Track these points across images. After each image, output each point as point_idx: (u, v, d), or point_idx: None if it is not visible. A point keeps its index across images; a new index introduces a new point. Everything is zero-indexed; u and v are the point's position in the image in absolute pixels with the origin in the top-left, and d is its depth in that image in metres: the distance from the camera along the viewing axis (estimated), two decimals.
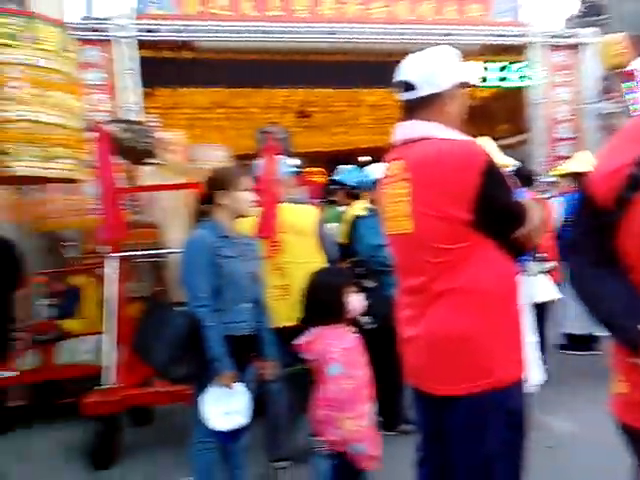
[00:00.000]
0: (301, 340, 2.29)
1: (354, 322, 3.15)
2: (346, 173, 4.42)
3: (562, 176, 5.77)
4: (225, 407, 2.37)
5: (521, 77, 10.40)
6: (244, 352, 2.52)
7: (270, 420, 3.22)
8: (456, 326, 1.63)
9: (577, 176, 5.11)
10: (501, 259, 1.66)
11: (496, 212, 1.62)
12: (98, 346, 4.36)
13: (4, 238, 5.53)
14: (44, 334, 4.14)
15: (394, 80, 1.79)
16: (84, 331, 4.71)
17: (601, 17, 13.78)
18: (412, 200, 1.68)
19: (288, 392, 3.19)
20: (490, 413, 1.65)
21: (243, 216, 2.58)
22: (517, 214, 1.65)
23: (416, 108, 1.75)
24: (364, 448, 2.14)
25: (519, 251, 1.73)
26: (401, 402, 3.70)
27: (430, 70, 1.72)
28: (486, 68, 10.45)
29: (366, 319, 3.13)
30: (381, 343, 3.01)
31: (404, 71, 1.78)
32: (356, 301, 2.35)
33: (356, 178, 4.27)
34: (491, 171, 1.59)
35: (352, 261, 3.55)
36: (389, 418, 3.38)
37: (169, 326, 2.40)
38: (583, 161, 5.51)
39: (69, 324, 4.89)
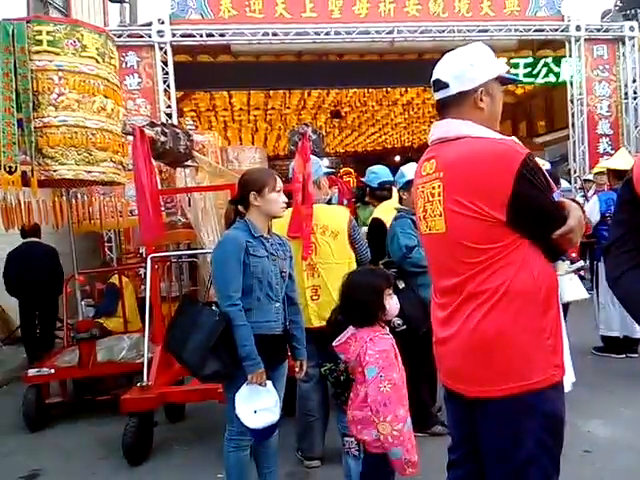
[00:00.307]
0: (337, 341, 2.30)
1: (388, 324, 3.16)
2: (371, 174, 4.33)
3: (598, 174, 5.61)
4: (255, 405, 2.39)
5: (558, 73, 10.16)
6: (275, 351, 2.54)
7: (302, 419, 3.25)
8: (491, 327, 1.60)
9: (616, 174, 4.99)
10: (538, 260, 1.62)
11: (532, 212, 1.57)
12: (135, 344, 4.50)
13: (49, 247, 5.80)
14: (85, 332, 4.27)
15: (430, 79, 1.79)
16: (123, 330, 4.86)
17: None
18: (445, 199, 1.66)
19: (320, 392, 3.21)
20: (525, 417, 1.61)
21: (276, 217, 2.60)
22: (555, 215, 1.59)
23: (449, 106, 1.73)
24: (401, 453, 2.13)
25: (557, 252, 1.68)
26: (433, 404, 3.67)
27: (460, 67, 1.70)
28: (523, 64, 10.25)
29: (398, 321, 3.12)
30: (412, 344, 3.00)
31: (437, 70, 1.77)
32: (394, 303, 2.34)
33: (379, 179, 4.22)
34: (528, 170, 1.55)
35: (384, 262, 3.54)
36: (422, 419, 3.36)
37: (201, 325, 2.44)
38: (622, 159, 5.40)
39: (109, 322, 5.06)
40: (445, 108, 1.75)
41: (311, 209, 3.11)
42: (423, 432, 3.36)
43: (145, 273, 4.05)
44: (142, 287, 5.63)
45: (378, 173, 4.26)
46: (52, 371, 4.23)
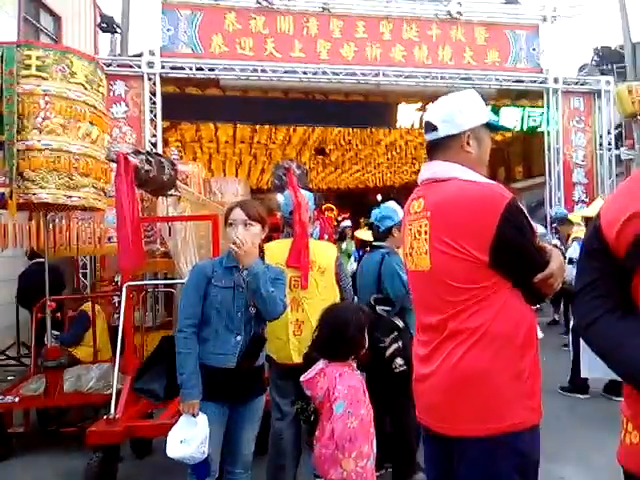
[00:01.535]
0: (306, 376, 2.26)
1: (386, 365, 3.10)
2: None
3: (565, 223, 5.81)
4: (182, 435, 2.37)
5: (534, 121, 10.51)
6: (235, 385, 2.46)
7: (273, 459, 3.16)
8: (470, 367, 1.61)
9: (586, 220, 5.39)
10: (519, 303, 1.65)
11: (515, 255, 1.61)
12: (105, 375, 4.37)
13: (56, 265, 5.74)
14: (53, 360, 4.15)
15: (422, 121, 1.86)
16: (92, 359, 4.73)
17: (616, 65, 13.94)
18: (431, 238, 1.70)
19: (294, 430, 3.14)
20: (501, 459, 1.59)
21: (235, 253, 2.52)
22: (537, 259, 1.63)
23: (438, 148, 1.79)
24: None
25: (537, 296, 1.70)
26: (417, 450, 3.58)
27: (449, 112, 1.77)
28: (500, 112, 10.59)
29: (400, 361, 3.04)
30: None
31: (428, 113, 1.84)
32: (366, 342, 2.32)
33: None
34: (512, 214, 1.59)
35: (378, 299, 3.39)
36: (406, 464, 3.28)
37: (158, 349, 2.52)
38: (597, 207, 5.59)
39: (78, 351, 4.91)
40: (434, 149, 1.81)
41: (306, 239, 3.10)
42: None
43: (119, 301, 3.98)
44: (115, 315, 5.52)
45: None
46: (16, 399, 4.08)
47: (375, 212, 3.70)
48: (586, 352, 5.15)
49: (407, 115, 10.26)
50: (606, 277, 1.25)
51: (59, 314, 5.56)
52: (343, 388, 2.14)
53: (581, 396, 5.22)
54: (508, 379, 1.60)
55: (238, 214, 2.50)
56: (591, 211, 5.72)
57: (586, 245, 1.33)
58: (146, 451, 4.04)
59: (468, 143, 1.75)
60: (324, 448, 2.14)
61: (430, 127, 1.80)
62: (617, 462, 1.30)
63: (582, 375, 5.09)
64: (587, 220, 5.53)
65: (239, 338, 2.46)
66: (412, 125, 10.37)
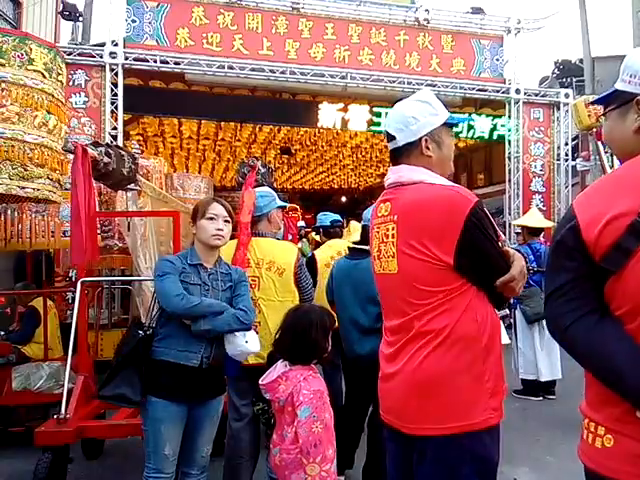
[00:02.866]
0: (266, 379, 2.23)
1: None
2: (322, 216, 4.86)
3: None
4: (245, 337, 2.45)
5: (495, 129, 10.74)
6: (198, 384, 2.40)
7: (230, 460, 3.11)
8: (432, 367, 1.63)
9: (529, 230, 5.78)
10: (483, 306, 1.67)
11: (478, 258, 1.63)
12: (55, 373, 4.23)
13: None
14: (1, 357, 3.98)
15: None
16: (43, 357, 4.56)
17: (576, 79, 14.45)
18: (398, 241, 1.72)
19: (252, 431, 3.09)
20: (460, 459, 1.61)
21: (212, 245, 2.54)
22: (499, 262, 1.66)
23: (399, 155, 1.82)
24: None
25: (500, 299, 1.73)
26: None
27: (404, 121, 1.78)
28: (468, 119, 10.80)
29: None
30: None
31: (386, 122, 1.87)
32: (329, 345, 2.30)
33: (330, 218, 4.68)
34: (476, 217, 1.61)
35: None
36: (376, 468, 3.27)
37: (124, 344, 2.42)
38: (534, 217, 6.45)
39: (28, 349, 4.73)
40: (396, 156, 1.83)
41: (243, 238, 3.04)
42: None
43: (73, 297, 3.84)
44: (69, 312, 5.34)
45: (328, 215, 4.79)
46: None
47: (365, 213, 3.67)
48: (521, 355, 5.40)
49: (328, 115, 10.11)
50: (582, 278, 1.24)
51: (8, 309, 5.35)
52: (309, 393, 2.10)
53: (534, 398, 5.39)
54: (470, 380, 1.62)
55: (220, 210, 2.49)
56: (526, 220, 6.24)
57: (559, 245, 1.29)
58: (97, 452, 3.93)
59: (427, 147, 1.77)
60: (285, 453, 2.10)
61: (389, 137, 1.82)
62: (569, 463, 1.29)
63: (520, 376, 5.37)
64: (523, 228, 5.94)
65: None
66: (334, 124, 10.22)
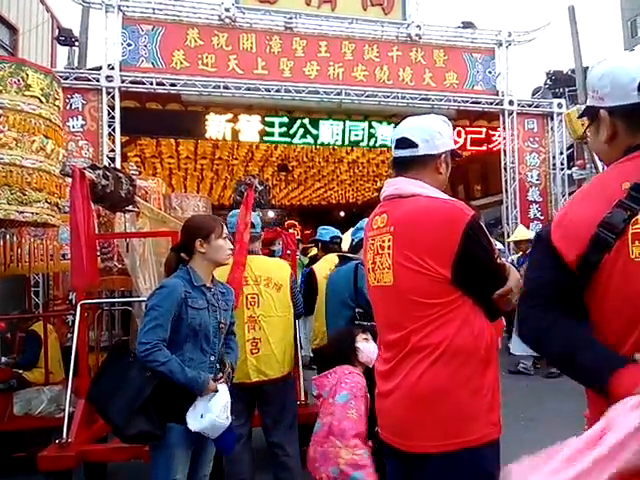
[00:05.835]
0: (317, 376, 2.48)
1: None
2: (322, 230, 4.86)
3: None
4: (201, 409, 2.25)
5: (490, 142, 10.81)
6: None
7: (229, 479, 3.07)
8: (431, 382, 1.62)
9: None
10: (479, 319, 1.67)
11: (475, 271, 1.64)
12: (56, 397, 4.20)
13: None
14: (1, 382, 3.96)
15: (392, 136, 1.87)
16: (44, 381, 4.53)
17: (568, 89, 14.58)
18: (394, 253, 1.72)
19: (249, 451, 3.04)
20: (460, 473, 1.60)
21: (221, 264, 2.55)
22: (496, 275, 1.68)
23: (412, 165, 1.80)
24: (362, 476, 2.15)
25: (496, 312, 1.73)
26: None
27: (431, 133, 1.80)
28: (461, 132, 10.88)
29: None
30: None
31: (406, 129, 1.84)
32: (370, 347, 2.47)
33: (330, 234, 4.73)
34: (473, 230, 1.63)
35: (360, 313, 3.25)
36: None
37: (130, 381, 2.27)
38: (520, 232, 7.54)
39: (29, 373, 4.70)
40: (405, 166, 1.82)
41: (242, 257, 3.06)
42: None
43: (73, 321, 3.83)
44: (69, 335, 5.31)
45: (329, 230, 4.89)
46: None
47: (360, 223, 3.74)
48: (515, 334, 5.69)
49: (215, 126, 9.91)
50: (557, 283, 1.25)
51: (9, 334, 5.33)
52: (350, 382, 2.35)
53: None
54: (469, 394, 1.62)
55: (226, 231, 2.55)
56: (517, 236, 7.23)
57: (537, 251, 1.33)
58: (100, 476, 3.89)
59: (441, 164, 1.81)
60: (318, 445, 2.23)
61: (408, 143, 1.80)
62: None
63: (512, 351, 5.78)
64: (515, 244, 6.96)
65: (213, 359, 2.40)
66: (223, 136, 10.01)
